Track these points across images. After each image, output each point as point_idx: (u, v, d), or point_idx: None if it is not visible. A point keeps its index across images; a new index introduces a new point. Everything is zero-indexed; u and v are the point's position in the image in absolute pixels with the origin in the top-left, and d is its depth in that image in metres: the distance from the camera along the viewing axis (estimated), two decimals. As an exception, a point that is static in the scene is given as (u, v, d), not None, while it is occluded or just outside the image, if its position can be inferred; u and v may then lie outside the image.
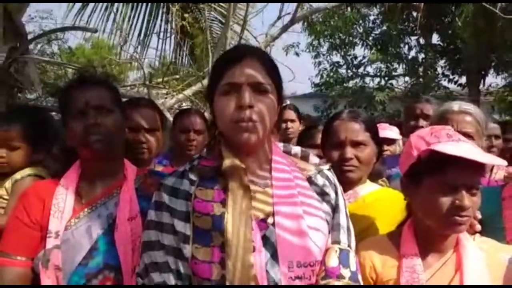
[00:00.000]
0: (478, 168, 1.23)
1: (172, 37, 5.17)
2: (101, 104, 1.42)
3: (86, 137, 1.39)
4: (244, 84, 1.14)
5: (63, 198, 1.41)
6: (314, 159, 1.32)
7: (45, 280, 1.34)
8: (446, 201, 1.22)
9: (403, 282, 1.23)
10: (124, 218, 1.39)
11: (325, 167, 1.29)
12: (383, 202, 1.63)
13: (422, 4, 6.43)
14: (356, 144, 1.62)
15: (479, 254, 1.28)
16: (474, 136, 1.78)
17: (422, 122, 2.46)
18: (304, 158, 1.32)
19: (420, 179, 1.27)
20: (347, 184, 1.57)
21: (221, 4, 5.33)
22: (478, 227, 1.38)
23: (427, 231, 1.28)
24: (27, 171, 1.91)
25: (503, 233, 1.49)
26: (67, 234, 1.37)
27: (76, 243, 1.36)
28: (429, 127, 1.34)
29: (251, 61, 1.17)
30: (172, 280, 1.15)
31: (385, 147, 3.21)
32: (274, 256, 1.12)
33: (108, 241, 1.36)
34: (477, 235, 1.36)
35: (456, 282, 1.24)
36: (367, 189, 1.67)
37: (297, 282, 1.12)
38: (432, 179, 1.24)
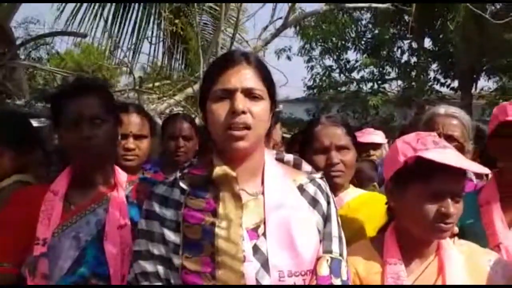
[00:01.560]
0: (462, 175, 1.25)
1: (163, 41, 5.14)
2: (95, 115, 1.41)
3: (79, 149, 1.39)
4: (238, 90, 1.13)
5: (52, 204, 1.39)
6: (306, 167, 1.30)
7: None
8: (431, 208, 1.22)
9: None
10: (114, 226, 1.38)
11: (317, 176, 1.28)
12: (368, 206, 1.63)
13: (414, 7, 6.43)
14: (340, 149, 1.61)
15: (459, 257, 1.29)
16: (459, 139, 1.80)
17: None
18: (297, 166, 1.30)
19: (405, 185, 1.27)
20: (333, 190, 1.56)
21: (214, 6, 5.31)
22: (456, 229, 1.39)
23: (410, 236, 1.29)
24: (14, 177, 1.88)
25: (485, 239, 1.50)
26: (54, 241, 1.35)
27: (64, 251, 1.34)
28: (414, 133, 1.35)
29: (244, 67, 1.16)
30: None
31: (371, 152, 3.22)
32: (265, 265, 1.11)
33: (97, 249, 1.35)
34: (456, 238, 1.38)
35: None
36: (351, 194, 1.67)
37: None
38: (418, 185, 1.25)
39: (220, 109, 1.13)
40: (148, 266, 1.15)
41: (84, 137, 1.37)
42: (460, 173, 1.23)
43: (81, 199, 1.43)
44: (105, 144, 1.41)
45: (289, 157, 1.31)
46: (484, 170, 1.30)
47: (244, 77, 1.15)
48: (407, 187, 1.27)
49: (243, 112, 1.11)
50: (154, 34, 5.18)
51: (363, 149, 3.15)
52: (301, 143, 1.73)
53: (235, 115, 1.11)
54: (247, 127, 1.12)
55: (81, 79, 1.61)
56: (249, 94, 1.14)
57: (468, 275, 1.26)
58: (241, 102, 1.12)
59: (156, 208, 1.19)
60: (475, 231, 1.49)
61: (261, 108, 1.15)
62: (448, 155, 1.22)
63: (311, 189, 1.23)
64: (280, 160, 1.29)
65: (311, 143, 1.64)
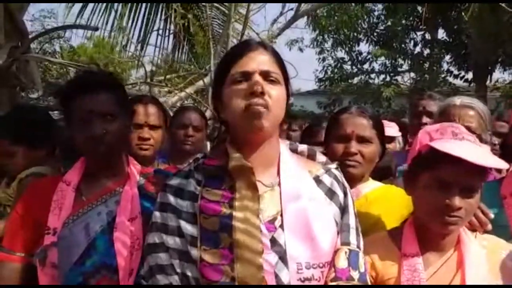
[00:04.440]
0: (479, 170, 1.18)
1: (174, 35, 5.14)
2: (107, 111, 1.39)
3: (91, 146, 1.38)
4: (256, 72, 1.14)
5: (64, 194, 1.39)
6: (321, 157, 1.29)
7: (42, 277, 1.33)
8: (437, 198, 1.21)
9: (403, 281, 1.22)
10: (125, 218, 1.37)
11: (333, 166, 1.27)
12: (386, 199, 1.61)
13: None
14: (362, 140, 1.59)
15: (480, 251, 1.26)
16: (476, 130, 1.76)
17: (425, 119, 2.44)
18: (311, 156, 1.29)
19: (417, 174, 1.27)
20: (349, 180, 1.55)
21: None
22: (489, 227, 1.35)
23: (427, 228, 1.27)
24: (32, 170, 1.93)
25: (509, 231, 1.45)
26: (64, 231, 1.35)
27: (74, 241, 1.34)
28: (439, 124, 1.33)
29: (262, 52, 1.17)
30: (177, 283, 1.13)
31: (386, 145, 3.18)
32: (283, 257, 1.11)
33: (107, 240, 1.34)
34: (477, 232, 1.35)
35: (457, 281, 1.23)
36: (370, 187, 1.65)
37: (306, 284, 1.11)
38: (427, 175, 1.23)
39: (239, 91, 1.13)
40: (163, 259, 1.15)
41: (96, 136, 1.36)
42: (475, 168, 1.16)
43: (93, 190, 1.42)
44: (117, 140, 1.40)
45: (303, 147, 1.31)
46: (501, 165, 1.21)
47: (262, 60, 1.16)
48: (419, 176, 1.26)
49: (262, 93, 1.11)
50: (163, 27, 5.19)
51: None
52: (327, 129, 1.72)
53: (253, 96, 1.11)
54: (266, 106, 1.12)
55: (90, 74, 1.59)
56: (267, 77, 1.15)
57: (490, 271, 1.23)
58: (259, 83, 1.12)
59: (171, 200, 1.18)
60: (499, 223, 1.45)
61: (278, 91, 1.16)
62: (460, 147, 1.19)
63: (327, 180, 1.23)
64: (294, 150, 1.29)
65: (335, 130, 1.64)
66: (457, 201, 1.18)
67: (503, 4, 5.28)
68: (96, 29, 4.53)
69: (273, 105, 1.13)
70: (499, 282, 1.24)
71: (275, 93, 1.14)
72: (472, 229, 1.33)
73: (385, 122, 3.36)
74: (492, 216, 1.36)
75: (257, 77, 1.13)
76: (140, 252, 1.32)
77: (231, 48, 1.30)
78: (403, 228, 1.31)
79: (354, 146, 1.57)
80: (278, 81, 1.16)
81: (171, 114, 3.63)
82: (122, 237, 1.34)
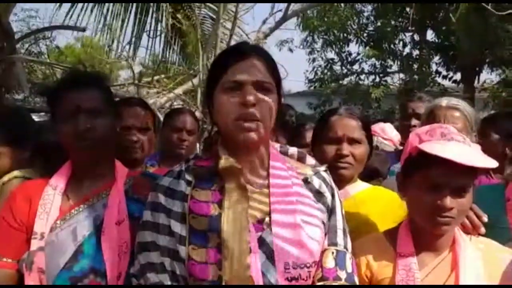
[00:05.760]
0: (469, 170, 1.19)
1: (163, 35, 5.10)
2: (93, 107, 1.39)
3: (77, 142, 1.38)
4: (248, 82, 1.13)
5: (50, 198, 1.38)
6: (310, 160, 1.31)
7: (29, 282, 1.31)
8: (428, 199, 1.21)
9: (398, 280, 1.22)
10: (112, 222, 1.35)
11: (322, 169, 1.28)
12: (374, 200, 1.62)
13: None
14: (352, 141, 1.60)
15: (475, 253, 1.27)
16: (461, 131, 1.77)
17: (414, 121, 2.45)
18: (301, 159, 1.31)
19: (410, 175, 1.27)
20: (340, 182, 1.55)
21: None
22: (483, 230, 1.35)
23: (421, 228, 1.27)
24: (15, 173, 1.88)
25: (508, 233, 1.47)
26: (52, 235, 1.34)
27: (61, 245, 1.33)
28: (429, 125, 1.33)
29: (255, 59, 1.16)
30: (168, 281, 1.14)
31: None
32: (270, 257, 1.12)
33: (94, 244, 1.33)
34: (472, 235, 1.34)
35: (451, 281, 1.23)
36: (358, 187, 1.66)
37: (294, 284, 1.12)
38: (418, 176, 1.24)
39: (230, 100, 1.13)
40: (154, 257, 1.16)
41: (82, 130, 1.36)
42: (465, 167, 1.17)
43: (80, 194, 1.41)
44: (102, 137, 1.39)
45: (293, 150, 1.32)
46: (490, 164, 1.22)
47: (255, 69, 1.15)
48: (410, 178, 1.27)
49: (253, 105, 1.11)
50: (153, 27, 5.15)
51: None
52: (315, 131, 1.72)
53: (245, 107, 1.12)
54: (257, 119, 1.12)
55: (78, 72, 1.61)
56: (259, 86, 1.15)
57: (484, 273, 1.24)
58: (251, 94, 1.12)
59: (162, 200, 1.19)
60: (499, 225, 1.46)
61: (270, 100, 1.15)
62: (448, 148, 1.20)
63: (316, 182, 1.24)
64: (284, 153, 1.30)
65: (325, 132, 1.64)
66: (449, 201, 1.19)
67: (488, 6, 5.35)
68: (84, 30, 4.48)
69: (264, 115, 1.13)
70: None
71: (267, 103, 1.14)
72: (466, 232, 1.33)
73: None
74: (485, 219, 1.36)
75: (249, 88, 1.13)
76: (128, 255, 1.31)
77: (223, 51, 1.29)
78: (399, 229, 1.32)
79: (346, 148, 1.58)
80: (270, 90, 1.16)
81: (160, 115, 3.61)
82: (109, 241, 1.32)
